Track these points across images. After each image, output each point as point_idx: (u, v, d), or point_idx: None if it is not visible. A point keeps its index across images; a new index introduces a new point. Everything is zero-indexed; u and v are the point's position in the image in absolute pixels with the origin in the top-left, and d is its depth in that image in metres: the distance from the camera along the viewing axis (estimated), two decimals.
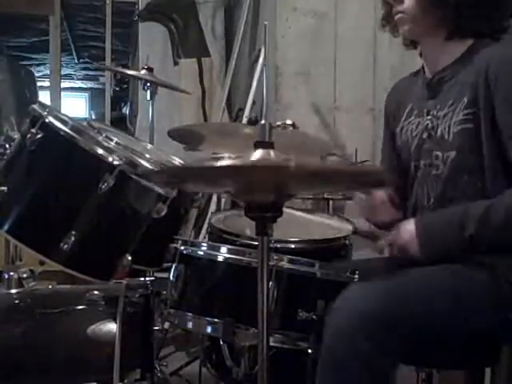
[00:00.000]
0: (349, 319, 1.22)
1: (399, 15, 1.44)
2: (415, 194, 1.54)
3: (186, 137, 2.00)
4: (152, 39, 3.97)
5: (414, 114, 1.53)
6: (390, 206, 1.57)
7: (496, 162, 1.37)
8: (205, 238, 2.98)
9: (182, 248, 1.52)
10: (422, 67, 1.55)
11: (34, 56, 7.12)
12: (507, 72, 1.34)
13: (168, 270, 1.54)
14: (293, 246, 1.67)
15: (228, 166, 0.96)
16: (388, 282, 1.31)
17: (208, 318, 1.44)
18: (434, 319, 1.29)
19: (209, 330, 1.46)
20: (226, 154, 3.06)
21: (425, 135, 1.48)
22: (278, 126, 1.54)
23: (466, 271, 1.35)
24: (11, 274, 1.71)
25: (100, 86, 8.00)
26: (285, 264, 1.41)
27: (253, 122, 1.82)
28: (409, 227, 1.41)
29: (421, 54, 1.54)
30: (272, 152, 1.04)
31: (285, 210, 1.09)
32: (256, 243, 1.10)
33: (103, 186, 1.49)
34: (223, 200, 3.22)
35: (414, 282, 1.32)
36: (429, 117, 1.48)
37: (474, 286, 1.33)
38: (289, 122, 1.51)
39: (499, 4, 1.44)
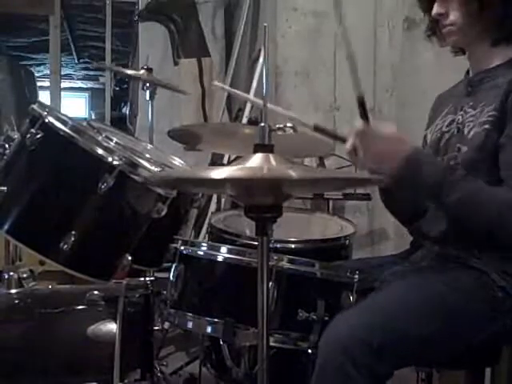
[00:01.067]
0: (336, 348, 1.21)
1: (447, 28, 1.47)
2: None
3: (185, 137, 2.00)
4: (152, 39, 3.97)
5: (450, 112, 1.55)
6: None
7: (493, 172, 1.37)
8: (205, 237, 2.98)
9: (182, 248, 1.52)
10: (467, 71, 1.57)
11: (33, 56, 7.12)
12: None
13: (168, 269, 1.54)
14: (293, 246, 1.67)
15: (225, 179, 0.95)
16: (374, 308, 1.29)
17: (208, 318, 1.44)
18: (426, 342, 1.28)
19: (209, 330, 1.46)
20: (226, 155, 3.07)
21: (455, 130, 1.49)
22: (279, 128, 1.54)
23: (458, 282, 1.34)
24: (11, 274, 1.71)
25: (100, 86, 8.00)
26: (285, 264, 1.41)
27: (253, 122, 1.82)
28: (403, 144, 1.32)
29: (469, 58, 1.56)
30: (271, 156, 1.04)
31: (285, 210, 1.09)
32: (256, 243, 1.10)
33: (103, 186, 1.49)
34: (223, 200, 3.22)
35: (402, 306, 1.29)
36: (461, 112, 1.49)
37: (467, 300, 1.32)
38: (289, 124, 1.51)
39: None
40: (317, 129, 1.44)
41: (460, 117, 1.49)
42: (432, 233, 1.48)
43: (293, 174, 0.95)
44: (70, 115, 1.63)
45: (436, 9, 1.48)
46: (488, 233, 1.31)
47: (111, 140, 1.57)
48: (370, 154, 1.33)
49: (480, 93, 1.47)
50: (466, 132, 1.44)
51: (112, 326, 1.54)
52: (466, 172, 1.35)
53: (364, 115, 1.33)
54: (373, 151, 1.32)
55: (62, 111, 1.73)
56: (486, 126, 1.38)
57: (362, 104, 1.33)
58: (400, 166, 1.29)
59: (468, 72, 1.57)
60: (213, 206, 3.21)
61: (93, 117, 8.80)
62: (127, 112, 4.81)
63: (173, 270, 1.51)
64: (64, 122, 1.52)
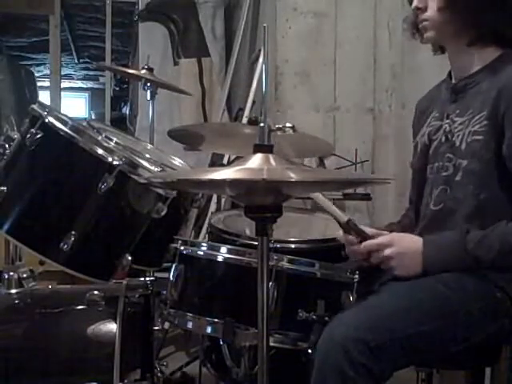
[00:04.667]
0: (333, 348, 1.21)
1: (423, 23, 1.48)
2: (425, 196, 1.54)
3: (186, 137, 2.00)
4: (152, 39, 3.96)
5: (436, 118, 1.55)
6: None
7: (500, 178, 1.38)
8: (205, 237, 2.98)
9: (182, 248, 1.52)
10: (449, 73, 1.57)
11: (33, 56, 7.12)
12: None
13: (168, 269, 1.54)
14: (293, 246, 1.67)
15: (225, 181, 0.95)
16: (373, 308, 1.30)
17: (208, 318, 1.44)
18: (425, 342, 1.28)
19: (209, 330, 1.46)
20: (226, 155, 3.07)
21: (443, 138, 1.49)
22: (279, 128, 1.54)
23: (457, 282, 1.34)
24: (11, 274, 1.71)
25: (100, 86, 8.00)
26: (285, 264, 1.41)
27: (253, 121, 1.82)
28: (413, 244, 1.39)
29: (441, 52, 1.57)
30: (271, 157, 1.04)
31: (285, 210, 1.09)
32: (256, 243, 1.10)
33: (103, 186, 1.49)
34: (223, 200, 3.22)
35: (400, 305, 1.30)
36: (448, 120, 1.49)
37: (466, 300, 1.32)
38: (288, 124, 1.51)
39: None
40: (348, 225, 1.46)
41: (447, 125, 1.48)
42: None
43: (292, 174, 0.95)
44: (70, 115, 1.63)
45: (415, 2, 1.48)
46: None
47: (111, 140, 1.57)
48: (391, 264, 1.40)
49: (465, 99, 1.47)
50: (457, 143, 1.43)
51: (112, 326, 1.54)
52: (467, 185, 1.39)
53: (361, 235, 1.41)
54: (392, 263, 1.39)
55: (62, 111, 1.73)
56: (480, 137, 1.38)
57: (352, 228, 1.41)
58: (423, 264, 1.37)
59: (450, 75, 1.56)
60: (213, 206, 3.21)
61: (93, 117, 8.79)
62: (127, 112, 4.81)
63: (173, 270, 1.51)
64: (64, 122, 1.52)
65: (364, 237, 1.42)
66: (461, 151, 1.42)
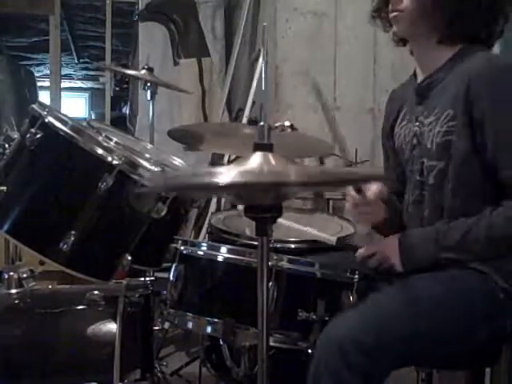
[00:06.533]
0: (330, 350, 1.22)
1: (396, 13, 1.41)
2: (406, 199, 1.54)
3: (186, 137, 2.00)
4: (152, 39, 3.96)
5: (406, 119, 1.54)
6: (381, 204, 1.53)
7: (478, 175, 1.37)
8: (205, 237, 2.98)
9: (182, 248, 1.52)
10: (414, 71, 1.55)
11: (33, 56, 7.12)
12: (489, 90, 1.31)
13: (168, 269, 1.54)
14: (293, 246, 1.67)
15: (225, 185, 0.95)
16: (370, 309, 1.30)
17: (208, 318, 1.44)
18: (423, 342, 1.28)
19: (209, 330, 1.46)
20: (226, 155, 3.07)
21: (414, 141, 1.48)
22: (277, 127, 1.54)
23: (457, 282, 1.34)
24: (11, 274, 1.71)
25: (100, 86, 8.00)
26: (285, 264, 1.41)
27: (253, 122, 1.82)
28: (390, 247, 1.43)
29: (411, 52, 1.53)
30: (271, 156, 1.04)
31: (285, 210, 1.09)
32: (256, 243, 1.10)
33: (103, 186, 1.49)
34: (223, 200, 3.22)
35: (398, 306, 1.30)
36: (417, 123, 1.48)
37: (466, 300, 1.32)
38: (287, 123, 1.51)
39: (496, 9, 1.41)
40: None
41: (417, 128, 1.47)
42: None
43: (292, 173, 0.95)
44: (70, 115, 1.63)
45: None
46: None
47: (111, 140, 1.57)
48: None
49: (430, 99, 1.44)
50: (428, 145, 1.42)
51: (112, 326, 1.54)
52: (444, 187, 1.39)
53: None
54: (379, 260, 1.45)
55: (62, 111, 1.73)
56: (450, 137, 1.36)
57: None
58: (401, 259, 1.41)
59: (415, 74, 1.53)
60: (213, 206, 3.21)
61: (93, 117, 8.79)
62: (127, 112, 4.80)
63: (173, 270, 1.51)
64: (64, 122, 1.52)
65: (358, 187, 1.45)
66: (432, 153, 1.41)
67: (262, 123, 1.09)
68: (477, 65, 1.35)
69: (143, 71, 2.61)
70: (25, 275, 1.72)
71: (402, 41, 1.53)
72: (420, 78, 1.50)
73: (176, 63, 3.97)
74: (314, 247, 1.69)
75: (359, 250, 1.48)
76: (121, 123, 4.77)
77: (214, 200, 3.21)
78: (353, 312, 1.30)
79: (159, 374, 2.02)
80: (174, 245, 1.53)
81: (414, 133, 1.48)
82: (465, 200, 1.38)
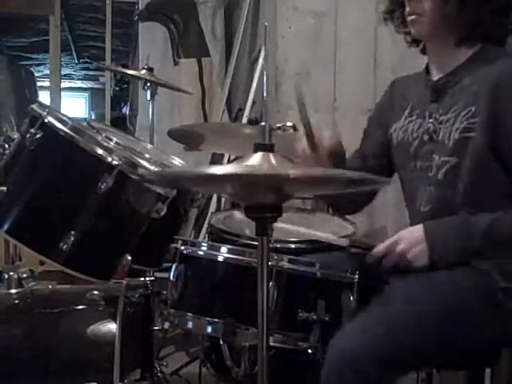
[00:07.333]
0: (340, 358, 1.21)
1: (414, 16, 1.41)
2: (409, 197, 1.54)
3: (186, 137, 2.00)
4: (152, 39, 3.96)
5: (415, 114, 1.52)
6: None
7: (494, 174, 1.37)
8: (205, 238, 2.98)
9: (182, 248, 1.52)
10: (426, 68, 1.54)
11: (33, 56, 7.12)
12: None
13: (168, 269, 1.53)
14: (293, 246, 1.67)
15: (225, 175, 0.95)
16: (379, 319, 1.28)
17: (208, 318, 1.44)
18: (431, 348, 1.28)
19: (209, 330, 1.46)
20: (226, 155, 3.07)
21: (426, 137, 1.47)
22: (279, 128, 1.54)
23: (457, 283, 1.34)
24: (11, 274, 1.71)
25: (100, 86, 8.00)
26: (285, 264, 1.41)
27: (253, 122, 1.82)
28: (416, 233, 1.39)
29: (422, 52, 1.53)
30: (272, 155, 1.04)
31: (285, 210, 1.09)
32: (256, 243, 1.10)
33: (102, 186, 1.49)
34: (223, 200, 3.22)
35: (401, 313, 1.29)
36: (431, 120, 1.47)
37: (467, 301, 1.32)
38: (289, 124, 1.51)
39: (509, 8, 1.42)
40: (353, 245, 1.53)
41: (431, 125, 1.46)
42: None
43: (292, 172, 0.95)
44: (70, 115, 1.63)
45: None
46: None
47: (111, 140, 1.57)
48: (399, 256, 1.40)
49: (447, 98, 1.44)
50: (443, 141, 1.41)
51: (112, 326, 1.54)
52: (457, 183, 1.38)
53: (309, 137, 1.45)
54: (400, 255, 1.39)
55: (62, 111, 1.73)
56: (470, 134, 1.36)
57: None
58: (430, 249, 1.37)
59: (427, 69, 1.53)
60: (213, 206, 3.21)
61: (93, 117, 8.79)
62: (127, 112, 4.81)
63: (173, 270, 1.51)
64: (64, 122, 1.52)
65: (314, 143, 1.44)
66: (447, 149, 1.41)
67: (263, 123, 1.08)
68: (504, 66, 1.37)
69: (143, 71, 2.61)
70: (25, 275, 1.72)
71: (415, 42, 1.53)
72: (435, 75, 1.49)
73: (176, 63, 3.97)
74: (314, 247, 1.69)
75: (375, 249, 1.43)
76: (121, 123, 4.78)
77: (214, 200, 3.21)
78: (361, 323, 1.28)
79: (159, 374, 2.02)
80: (174, 245, 1.53)
81: (425, 129, 1.47)
82: (475, 196, 1.38)
